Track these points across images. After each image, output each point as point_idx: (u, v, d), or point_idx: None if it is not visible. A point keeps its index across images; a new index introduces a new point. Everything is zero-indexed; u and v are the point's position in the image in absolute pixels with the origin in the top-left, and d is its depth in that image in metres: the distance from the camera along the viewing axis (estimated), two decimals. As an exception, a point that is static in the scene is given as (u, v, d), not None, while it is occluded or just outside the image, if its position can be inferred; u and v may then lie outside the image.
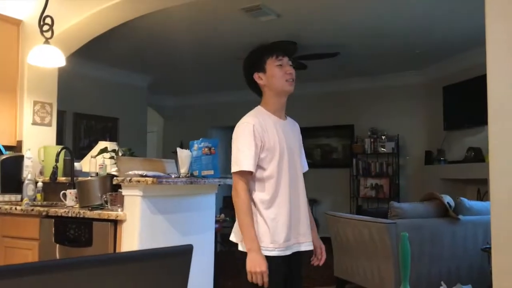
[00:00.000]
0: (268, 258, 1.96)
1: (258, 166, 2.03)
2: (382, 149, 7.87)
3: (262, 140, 2.01)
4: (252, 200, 2.04)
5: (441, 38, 5.96)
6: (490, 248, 2.15)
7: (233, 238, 2.10)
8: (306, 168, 2.29)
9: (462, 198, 4.45)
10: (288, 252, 2.04)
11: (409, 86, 7.86)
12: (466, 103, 6.45)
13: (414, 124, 7.84)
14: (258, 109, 2.11)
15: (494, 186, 2.11)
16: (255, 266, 1.91)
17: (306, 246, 2.12)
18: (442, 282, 3.15)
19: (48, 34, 3.48)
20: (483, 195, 6.00)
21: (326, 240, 6.69)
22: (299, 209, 2.12)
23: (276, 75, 2.07)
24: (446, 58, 6.88)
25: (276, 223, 2.01)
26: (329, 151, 8.75)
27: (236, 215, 2.01)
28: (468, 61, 6.47)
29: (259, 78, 2.09)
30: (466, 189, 6.53)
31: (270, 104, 2.11)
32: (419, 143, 7.76)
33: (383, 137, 7.89)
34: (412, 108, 7.86)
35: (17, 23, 3.92)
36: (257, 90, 2.15)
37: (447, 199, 4.36)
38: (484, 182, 5.60)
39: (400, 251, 1.60)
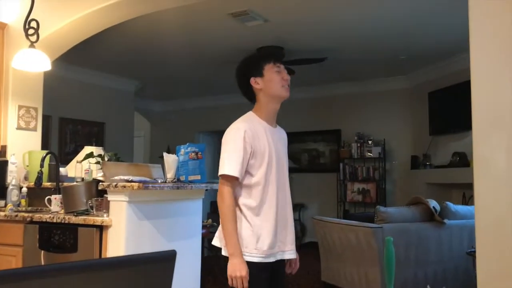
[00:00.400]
0: (250, 263, 1.96)
1: (247, 172, 2.03)
2: (369, 154, 7.92)
3: (253, 146, 2.01)
4: (238, 205, 2.04)
5: (426, 44, 6.03)
6: (475, 251, 2.17)
7: (216, 242, 2.10)
8: None
9: (448, 203, 4.50)
10: (272, 259, 2.04)
11: (395, 91, 7.93)
12: (451, 108, 6.53)
13: (400, 129, 7.91)
14: (250, 115, 2.12)
15: (478, 191, 2.13)
16: (235, 271, 1.92)
17: (290, 254, 2.12)
18: (428, 286, 3.18)
19: (33, 38, 3.45)
20: (468, 200, 6.06)
21: (313, 245, 6.72)
22: (285, 216, 2.13)
23: (274, 80, 2.09)
24: (431, 64, 6.96)
25: (262, 230, 2.01)
26: (316, 155, 8.79)
27: (220, 220, 2.01)
28: (452, 67, 6.55)
29: (256, 82, 2.10)
30: (451, 193, 6.60)
31: (263, 110, 2.12)
32: (405, 148, 7.83)
33: (370, 142, 7.94)
34: (398, 113, 7.93)
35: (1, 26, 3.88)
36: (250, 95, 2.15)
37: (433, 203, 4.40)
38: (469, 186, 5.64)
39: (385, 255, 1.61)
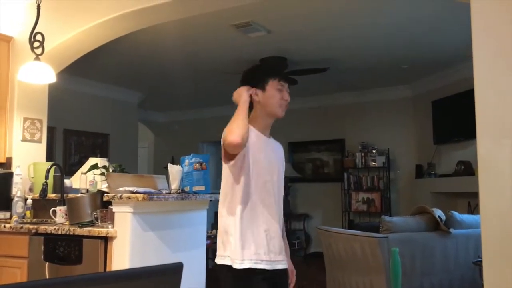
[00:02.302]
0: (249, 271, 1.95)
1: (244, 183, 2.02)
2: (373, 163, 7.90)
3: (248, 145, 2.02)
4: (234, 211, 2.02)
5: (429, 53, 6.04)
6: (481, 261, 2.16)
7: (219, 260, 2.05)
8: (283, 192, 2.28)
9: (453, 212, 4.47)
10: (269, 267, 2.01)
11: (398, 100, 7.93)
12: (455, 117, 6.52)
13: (404, 138, 7.90)
14: None
15: (483, 200, 2.12)
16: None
17: (283, 264, 2.10)
18: (434, 296, 3.15)
19: (38, 51, 3.48)
20: (473, 209, 6.02)
21: (318, 255, 6.66)
22: (277, 227, 2.10)
23: (275, 97, 2.10)
24: (434, 72, 6.97)
25: (256, 237, 2.00)
26: (320, 165, 8.77)
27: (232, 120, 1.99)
28: (456, 76, 6.55)
29: (256, 94, 2.11)
30: (457, 202, 6.56)
31: (258, 122, 2.13)
32: (409, 157, 7.81)
33: (374, 151, 7.93)
34: (402, 122, 7.92)
35: (7, 39, 3.92)
36: (250, 105, 2.16)
37: (438, 212, 4.38)
38: (475, 195, 5.62)
39: (391, 266, 1.60)
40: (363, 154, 7.99)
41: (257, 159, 2.05)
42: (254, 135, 2.07)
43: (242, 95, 2.09)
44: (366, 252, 4.11)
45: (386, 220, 4.22)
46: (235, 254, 1.96)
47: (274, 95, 2.10)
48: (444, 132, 6.95)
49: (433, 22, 4.99)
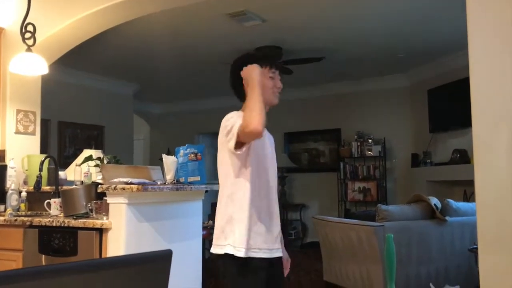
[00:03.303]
0: (250, 260, 1.95)
1: (250, 173, 2.00)
2: (369, 152, 7.91)
3: None
4: (239, 200, 2.00)
5: (424, 42, 6.02)
6: (477, 248, 2.16)
7: (217, 247, 2.04)
8: None
9: (449, 200, 4.48)
10: (268, 255, 2.01)
11: (394, 89, 7.92)
12: (451, 105, 6.52)
13: (400, 127, 7.90)
14: (240, 113, 2.07)
15: (479, 187, 2.12)
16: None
17: (280, 253, 2.11)
18: (430, 284, 3.17)
19: (30, 42, 3.44)
20: (469, 196, 6.05)
21: (315, 245, 6.68)
22: (277, 215, 2.11)
23: (266, 85, 2.07)
24: (430, 61, 6.95)
25: (259, 226, 2.00)
26: (316, 155, 8.78)
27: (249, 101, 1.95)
28: (451, 64, 6.54)
29: (248, 85, 2.07)
30: (452, 190, 6.59)
31: None
32: (405, 146, 7.82)
33: (370, 140, 7.93)
34: (398, 111, 7.92)
35: (-2, 31, 3.88)
36: (240, 94, 2.13)
37: (434, 201, 4.39)
38: (471, 183, 5.65)
39: (385, 252, 1.60)
40: (359, 144, 8.00)
41: (257, 148, 2.04)
42: None
43: (253, 75, 1.99)
44: (362, 240, 4.13)
45: (382, 209, 4.23)
46: (239, 242, 1.95)
47: (266, 83, 2.07)
48: (440, 120, 6.95)
49: (428, 10, 4.96)
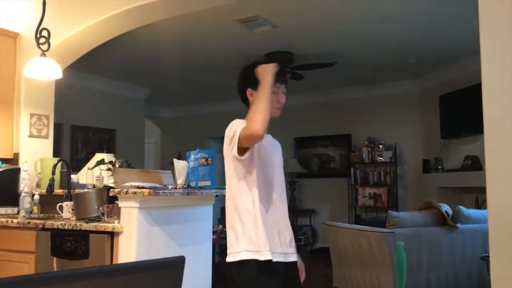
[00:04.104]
0: (267, 264, 1.94)
1: (255, 178, 2.01)
2: (380, 158, 7.87)
3: None
4: (246, 206, 2.01)
5: (436, 47, 5.99)
6: (488, 256, 2.14)
7: (231, 255, 2.04)
8: None
9: (460, 207, 4.45)
10: (282, 259, 2.02)
11: (405, 95, 7.89)
12: (463, 111, 6.47)
13: (411, 133, 7.86)
14: (242, 121, 2.06)
15: (491, 195, 2.11)
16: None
17: (295, 257, 2.11)
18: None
19: (44, 47, 3.49)
20: (481, 204, 5.99)
21: (324, 250, 6.65)
22: (286, 220, 2.13)
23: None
24: (442, 67, 6.92)
25: (271, 231, 2.01)
26: (327, 160, 8.75)
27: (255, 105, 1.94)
28: (463, 70, 6.50)
29: (251, 94, 2.08)
30: (464, 197, 6.53)
31: None
32: (416, 152, 7.77)
33: (381, 146, 7.90)
34: (409, 117, 7.88)
35: (13, 36, 3.93)
36: (246, 102, 2.14)
37: (445, 207, 4.36)
38: (482, 190, 5.58)
39: (396, 260, 1.60)
40: (369, 149, 7.97)
41: (262, 154, 2.05)
42: None
43: (266, 76, 1.99)
44: (372, 247, 4.11)
45: (393, 215, 4.21)
46: (253, 246, 1.95)
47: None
48: (452, 126, 6.90)
49: (440, 15, 4.94)
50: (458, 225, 4.20)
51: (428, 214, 4.34)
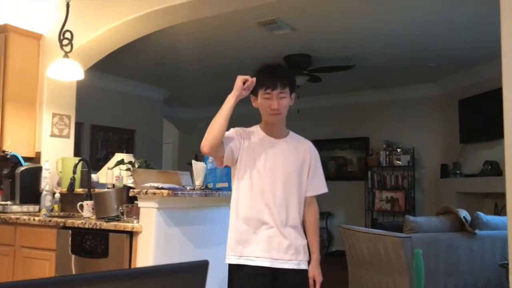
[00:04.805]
0: (242, 268, 2.06)
1: (239, 185, 2.10)
2: (398, 162, 7.81)
3: (243, 139, 2.12)
4: (232, 209, 2.13)
5: (456, 51, 5.93)
6: (508, 264, 2.12)
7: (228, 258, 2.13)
8: (316, 191, 2.36)
9: (479, 213, 4.39)
10: (269, 265, 2.05)
11: (424, 98, 7.81)
12: (482, 116, 6.39)
13: (430, 137, 7.78)
14: (255, 126, 2.20)
15: (511, 201, 2.09)
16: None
17: (291, 264, 2.11)
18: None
19: (67, 48, 3.56)
20: (500, 210, 5.90)
21: (340, 254, 6.64)
22: (279, 228, 2.11)
23: (263, 106, 2.12)
24: (461, 71, 6.84)
25: (248, 234, 2.09)
26: (344, 163, 8.72)
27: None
28: (483, 74, 6.42)
29: (253, 101, 2.17)
30: (483, 203, 6.44)
31: (263, 124, 2.20)
32: (434, 156, 7.70)
33: (398, 150, 7.83)
34: (428, 121, 7.81)
35: (37, 37, 4.02)
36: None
37: (463, 213, 4.31)
38: (502, 196, 5.52)
39: (414, 268, 1.60)
40: (387, 153, 7.91)
41: (255, 162, 2.09)
42: (257, 138, 2.13)
43: (234, 89, 2.11)
44: (389, 252, 4.08)
45: (410, 220, 4.18)
46: (229, 250, 2.12)
47: (262, 103, 2.11)
48: (471, 131, 6.82)
49: (460, 19, 4.90)
50: (477, 231, 4.15)
51: (446, 219, 4.30)
